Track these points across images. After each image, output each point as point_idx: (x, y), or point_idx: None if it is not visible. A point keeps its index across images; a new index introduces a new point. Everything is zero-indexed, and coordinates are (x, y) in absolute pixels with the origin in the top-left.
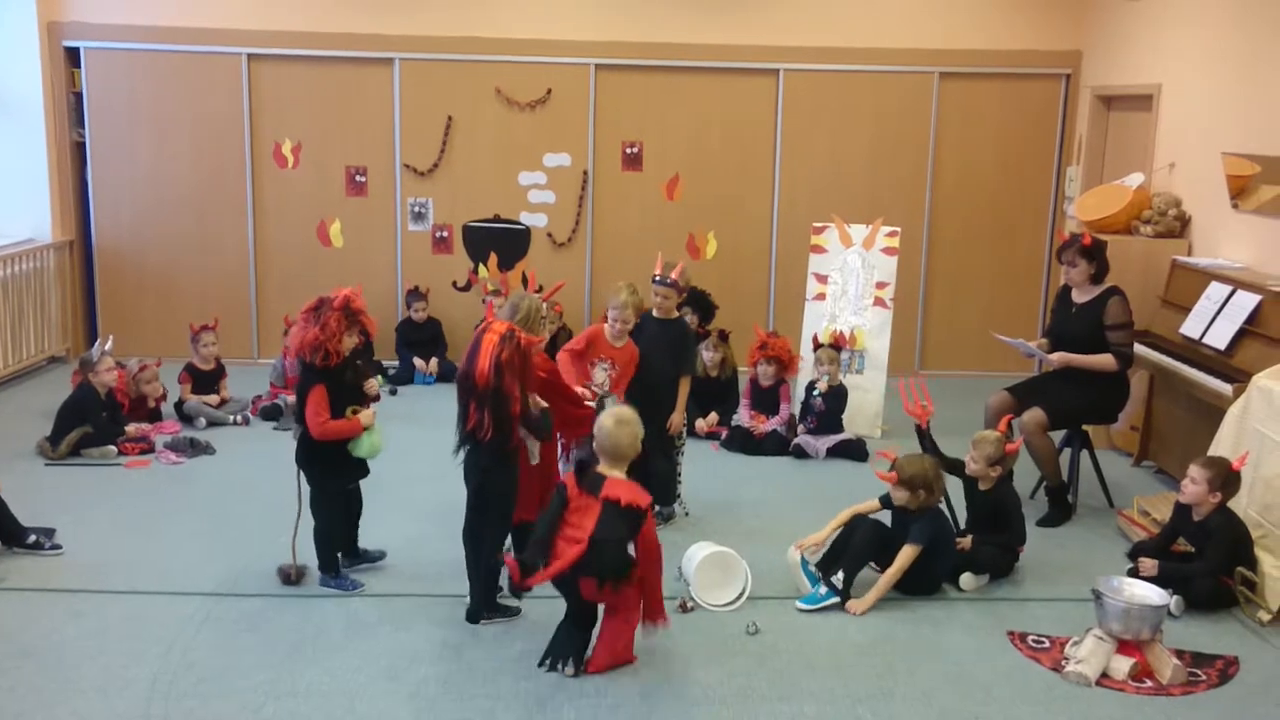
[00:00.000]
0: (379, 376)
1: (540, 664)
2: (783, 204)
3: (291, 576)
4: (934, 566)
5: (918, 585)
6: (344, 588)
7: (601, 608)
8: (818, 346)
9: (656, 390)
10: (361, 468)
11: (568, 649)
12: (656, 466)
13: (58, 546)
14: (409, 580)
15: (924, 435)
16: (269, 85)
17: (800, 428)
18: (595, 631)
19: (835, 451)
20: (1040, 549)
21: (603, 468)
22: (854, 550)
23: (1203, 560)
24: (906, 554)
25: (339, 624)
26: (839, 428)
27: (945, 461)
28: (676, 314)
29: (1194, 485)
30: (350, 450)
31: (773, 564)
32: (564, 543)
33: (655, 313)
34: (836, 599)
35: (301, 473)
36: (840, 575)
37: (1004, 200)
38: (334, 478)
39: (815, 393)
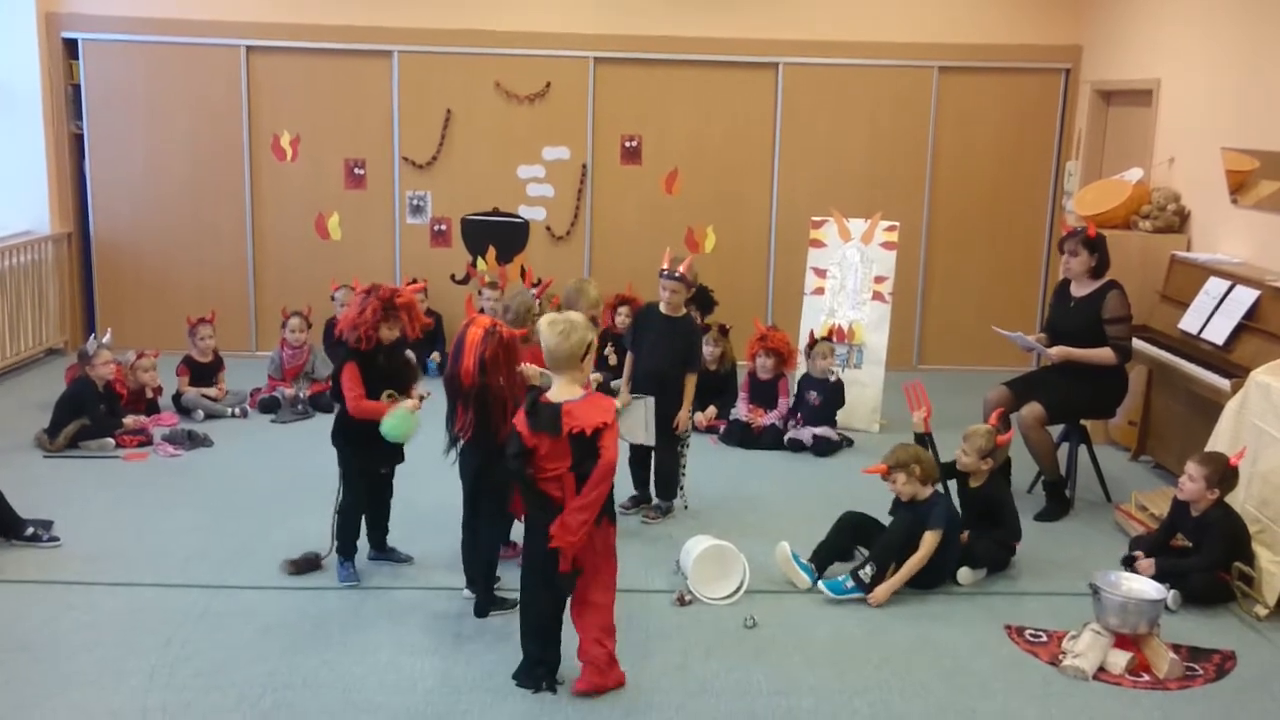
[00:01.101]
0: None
1: (518, 684)
2: (781, 198)
3: (318, 561)
4: (944, 555)
5: (925, 575)
6: (343, 579)
7: (568, 613)
8: (812, 343)
9: (662, 387)
10: (392, 455)
11: (539, 671)
12: (660, 461)
13: (55, 539)
14: (408, 574)
15: (925, 440)
16: (267, 78)
17: (790, 422)
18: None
19: (815, 443)
20: (1038, 544)
21: (552, 391)
22: (885, 544)
23: (1200, 555)
24: (930, 541)
25: (338, 616)
26: (827, 421)
27: (941, 467)
28: (684, 310)
29: (1192, 482)
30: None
31: (770, 557)
32: (550, 485)
33: (663, 308)
34: (861, 593)
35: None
36: (869, 569)
37: (1003, 195)
38: (360, 459)
39: (821, 390)
